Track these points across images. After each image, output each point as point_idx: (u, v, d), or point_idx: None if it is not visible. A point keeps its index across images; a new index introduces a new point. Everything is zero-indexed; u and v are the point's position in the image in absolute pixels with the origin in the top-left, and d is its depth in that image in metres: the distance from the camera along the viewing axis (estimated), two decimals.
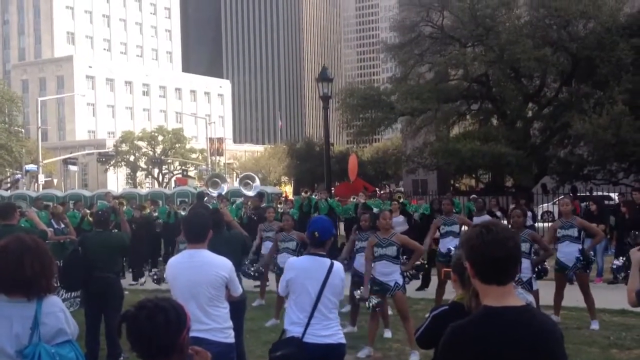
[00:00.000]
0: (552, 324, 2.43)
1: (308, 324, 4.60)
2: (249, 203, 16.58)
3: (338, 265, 4.80)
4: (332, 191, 20.59)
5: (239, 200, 18.37)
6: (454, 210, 11.24)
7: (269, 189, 25.67)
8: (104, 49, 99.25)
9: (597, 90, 23.23)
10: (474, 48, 25.70)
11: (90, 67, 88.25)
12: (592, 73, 23.11)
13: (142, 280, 14.29)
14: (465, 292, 3.58)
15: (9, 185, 52.86)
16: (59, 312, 3.47)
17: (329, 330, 4.69)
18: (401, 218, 14.23)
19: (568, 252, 9.19)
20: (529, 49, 21.95)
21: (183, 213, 15.56)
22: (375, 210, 12.04)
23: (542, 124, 25.65)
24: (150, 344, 2.17)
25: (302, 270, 4.73)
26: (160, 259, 16.60)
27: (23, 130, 58.28)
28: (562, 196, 17.31)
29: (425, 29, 26.75)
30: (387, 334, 8.79)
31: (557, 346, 2.38)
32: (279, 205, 16.72)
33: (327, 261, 4.75)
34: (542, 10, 23.59)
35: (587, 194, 22.19)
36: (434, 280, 11.16)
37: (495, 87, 25.53)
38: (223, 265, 4.82)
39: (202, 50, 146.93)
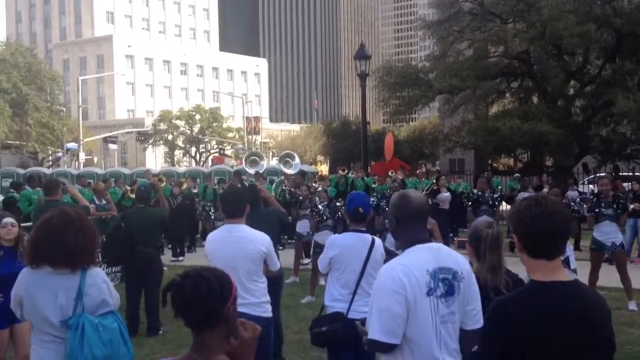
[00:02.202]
0: (601, 299, 2.39)
1: (352, 300, 4.59)
2: (285, 181, 16.65)
3: (379, 241, 4.82)
4: (369, 170, 20.52)
5: (277, 179, 18.46)
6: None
7: (306, 168, 25.75)
8: (143, 29, 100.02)
9: None
10: (515, 24, 25.17)
11: (129, 46, 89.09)
12: (637, 49, 22.49)
13: (182, 258, 14.48)
14: (481, 265, 3.54)
15: (50, 163, 53.99)
16: (102, 283, 3.53)
17: None
18: (447, 194, 14.38)
19: (607, 231, 9.03)
20: (571, 25, 21.40)
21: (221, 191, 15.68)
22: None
23: (584, 102, 25.10)
24: (193, 312, 2.19)
25: (346, 247, 4.73)
26: (198, 235, 16.80)
27: (64, 109, 59.25)
28: (602, 175, 17.00)
29: (465, 4, 26.30)
30: None
31: (605, 322, 2.33)
32: (314, 184, 16.73)
33: (369, 237, 4.76)
34: None
35: (630, 173, 21.71)
36: None
37: (537, 65, 25.01)
38: (262, 240, 4.86)
39: (239, 29, 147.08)
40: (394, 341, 2.90)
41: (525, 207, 2.35)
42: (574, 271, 8.07)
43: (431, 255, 2.99)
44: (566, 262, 7.99)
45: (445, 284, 2.95)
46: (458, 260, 3.07)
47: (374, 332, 2.93)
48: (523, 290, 2.37)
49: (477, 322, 3.05)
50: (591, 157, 24.08)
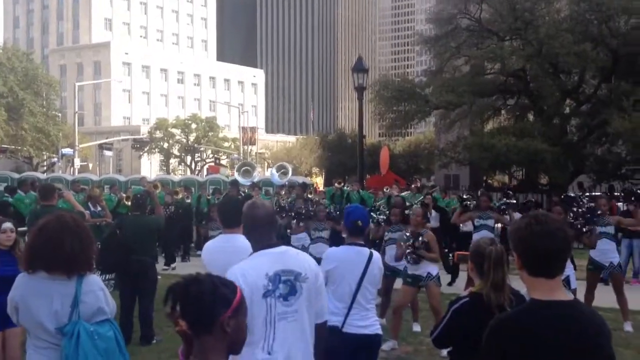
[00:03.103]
0: (600, 319, 2.37)
1: (347, 314, 4.59)
2: (282, 192, 16.64)
3: (377, 255, 4.81)
4: (364, 183, 20.53)
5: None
6: (491, 206, 11.04)
7: (300, 180, 25.69)
8: (141, 36, 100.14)
9: (637, 87, 22.77)
10: (512, 42, 25.37)
11: (126, 53, 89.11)
12: (633, 70, 22.67)
13: (173, 265, 14.46)
14: (483, 282, 3.51)
15: (45, 168, 53.84)
16: (99, 290, 3.52)
17: (367, 321, 4.69)
18: (433, 213, 14.13)
19: (605, 249, 8.95)
20: (568, 44, 21.57)
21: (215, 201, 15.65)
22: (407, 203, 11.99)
23: (579, 121, 25.26)
24: (184, 313, 2.17)
25: (343, 261, 4.72)
26: (192, 244, 16.76)
27: (60, 115, 59.14)
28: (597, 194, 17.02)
29: (462, 21, 26.49)
30: (416, 327, 8.74)
31: (605, 342, 2.32)
32: (309, 196, 16.72)
33: (367, 251, 4.74)
34: (582, 5, 23.18)
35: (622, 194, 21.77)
36: (462, 276, 11.06)
37: (533, 82, 25.17)
38: None
39: (237, 39, 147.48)
40: None
41: (526, 224, 2.34)
42: (574, 291, 8.05)
43: (273, 259, 3.38)
44: (567, 282, 7.98)
45: (287, 285, 3.33)
46: (303, 263, 3.46)
47: None
48: (522, 309, 2.36)
49: (321, 316, 3.54)
50: (586, 176, 24.17)
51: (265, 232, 3.50)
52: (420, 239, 7.82)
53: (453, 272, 12.41)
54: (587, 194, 22.25)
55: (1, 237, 5.37)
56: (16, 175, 28.56)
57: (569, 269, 8.06)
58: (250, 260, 3.45)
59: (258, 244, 3.49)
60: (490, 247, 3.54)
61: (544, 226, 2.31)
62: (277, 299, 3.31)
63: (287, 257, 3.44)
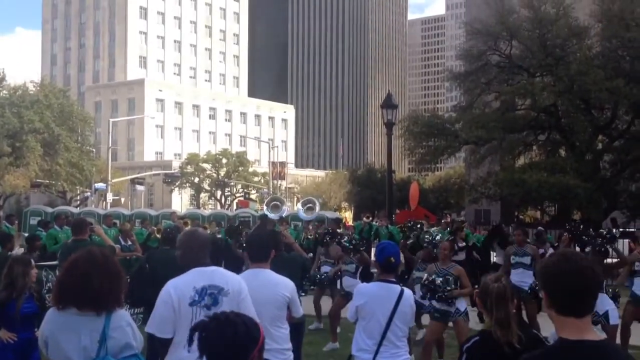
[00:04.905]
0: None
1: (377, 352, 4.54)
2: (310, 227, 16.63)
3: (408, 293, 4.75)
4: (394, 218, 20.42)
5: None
6: (527, 241, 10.79)
7: (329, 214, 25.68)
8: (174, 73, 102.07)
9: None
10: (542, 78, 25.28)
11: (160, 90, 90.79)
12: None
13: None
14: (490, 320, 3.45)
15: (78, 202, 54.65)
16: (127, 326, 3.53)
17: (398, 359, 4.63)
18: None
19: None
20: (600, 79, 21.43)
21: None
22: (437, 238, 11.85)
23: (612, 156, 24.95)
24: (216, 355, 2.17)
25: (373, 297, 4.70)
26: None
27: (94, 150, 60.18)
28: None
29: (492, 57, 26.52)
30: None
31: None
32: (338, 230, 16.67)
33: (398, 288, 4.71)
34: (614, 41, 23.09)
35: None
36: None
37: (565, 118, 24.99)
38: (285, 285, 4.83)
39: (268, 76, 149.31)
40: (165, 336, 3.90)
41: (554, 262, 2.30)
42: (614, 328, 7.85)
43: (203, 276, 4.00)
44: (605, 318, 7.81)
45: (211, 297, 3.93)
46: (228, 280, 4.04)
47: (151, 327, 3.95)
48: (551, 349, 2.31)
49: None
50: (620, 212, 23.77)
51: (199, 254, 4.12)
52: (440, 278, 7.62)
53: None
54: (621, 229, 21.89)
55: (32, 272, 5.38)
56: (50, 210, 29.05)
57: (607, 304, 7.88)
58: (184, 276, 4.04)
59: (193, 263, 4.09)
60: (494, 283, 3.49)
61: (572, 264, 2.27)
62: (201, 308, 3.89)
63: (215, 275, 4.04)
